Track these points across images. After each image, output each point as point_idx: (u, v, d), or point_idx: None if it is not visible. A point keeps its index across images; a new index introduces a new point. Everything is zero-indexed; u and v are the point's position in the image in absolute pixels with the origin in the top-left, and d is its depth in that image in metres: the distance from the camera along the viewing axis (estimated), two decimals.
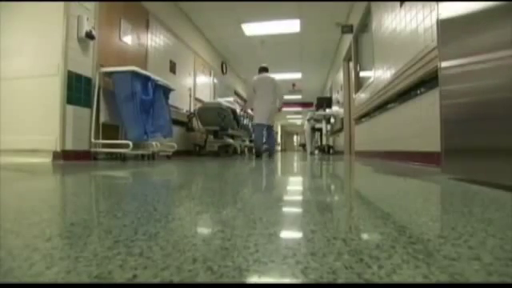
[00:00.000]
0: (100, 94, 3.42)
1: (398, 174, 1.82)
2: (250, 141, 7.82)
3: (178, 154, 4.75)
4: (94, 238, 0.51)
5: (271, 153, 4.71)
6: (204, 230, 0.59)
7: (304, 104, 14.03)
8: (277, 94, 4.52)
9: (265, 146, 4.70)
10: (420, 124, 2.59)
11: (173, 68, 5.43)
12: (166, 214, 0.70)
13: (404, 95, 2.95)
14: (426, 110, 2.46)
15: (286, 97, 13.55)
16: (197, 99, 6.43)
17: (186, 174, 1.90)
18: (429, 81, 2.35)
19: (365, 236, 0.55)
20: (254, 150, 4.73)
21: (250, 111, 6.00)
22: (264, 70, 4.75)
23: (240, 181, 1.50)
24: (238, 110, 6.14)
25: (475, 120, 1.26)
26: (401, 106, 3.09)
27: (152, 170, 2.14)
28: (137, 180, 1.55)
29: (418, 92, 2.60)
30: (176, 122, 5.03)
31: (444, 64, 1.52)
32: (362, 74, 5.27)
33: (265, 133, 4.60)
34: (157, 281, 0.35)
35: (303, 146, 12.04)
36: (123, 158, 3.34)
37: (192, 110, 5.95)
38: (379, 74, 3.87)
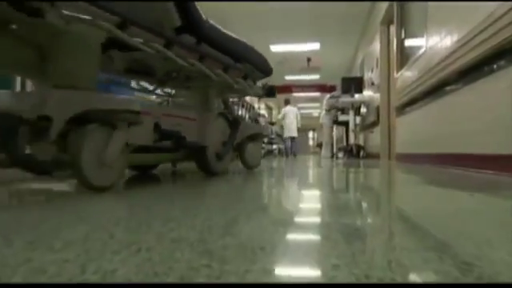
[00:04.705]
0: None
1: (462, 188, 1.82)
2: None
3: None
4: (19, 281, 0.51)
5: (295, 154, 11.13)
6: (182, 265, 0.59)
7: (323, 87, 14.05)
8: (297, 117, 11.02)
9: (289, 149, 11.10)
10: (495, 114, 2.58)
11: None
12: (127, 243, 0.70)
13: (472, 72, 2.93)
14: (505, 94, 2.45)
15: (297, 77, 13.60)
16: None
17: None
18: None
19: (412, 275, 0.55)
20: (284, 152, 11.61)
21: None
22: (288, 101, 11.39)
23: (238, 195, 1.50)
24: None
25: None
26: (466, 88, 3.08)
27: None
28: (84, 195, 1.55)
29: (495, 67, 2.58)
30: None
31: None
32: (409, 42, 5.29)
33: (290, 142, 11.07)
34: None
35: (321, 146, 12.12)
36: None
37: None
38: (434, 42, 3.88)
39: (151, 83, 2.75)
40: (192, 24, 1.96)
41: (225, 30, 2.36)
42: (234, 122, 2.73)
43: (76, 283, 0.37)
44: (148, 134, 1.83)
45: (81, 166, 1.40)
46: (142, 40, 1.73)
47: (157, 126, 1.89)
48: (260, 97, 3.30)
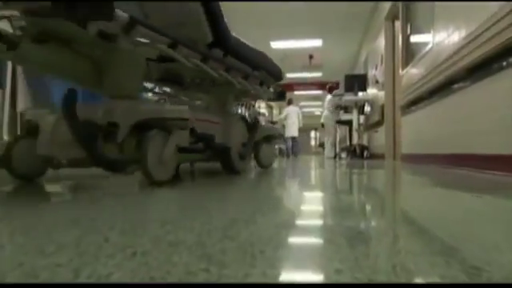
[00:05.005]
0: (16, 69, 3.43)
1: (469, 189, 1.82)
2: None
3: None
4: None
5: (296, 154, 11.62)
6: (179, 269, 0.59)
7: (325, 85, 14.03)
8: (299, 117, 11.48)
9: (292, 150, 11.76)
10: (504, 113, 2.58)
11: None
12: (122, 246, 0.70)
13: (480, 69, 2.93)
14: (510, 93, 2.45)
15: (299, 75, 13.59)
16: None
17: None
18: None
19: (417, 279, 0.55)
20: (285, 152, 12.05)
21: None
22: (290, 101, 11.59)
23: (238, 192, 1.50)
24: None
25: None
26: (474, 86, 3.08)
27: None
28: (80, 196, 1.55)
29: (504, 64, 2.58)
30: None
31: None
32: (415, 38, 5.28)
33: (291, 142, 11.60)
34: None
35: (323, 146, 12.15)
36: None
37: None
38: (441, 38, 3.88)
39: (177, 90, 3.12)
40: (221, 39, 2.30)
41: (245, 41, 2.67)
42: (253, 125, 3.04)
43: (76, 283, 0.36)
44: (187, 136, 2.11)
45: (147, 165, 1.69)
46: (182, 56, 1.99)
47: (192, 130, 2.16)
48: (272, 100, 3.71)
